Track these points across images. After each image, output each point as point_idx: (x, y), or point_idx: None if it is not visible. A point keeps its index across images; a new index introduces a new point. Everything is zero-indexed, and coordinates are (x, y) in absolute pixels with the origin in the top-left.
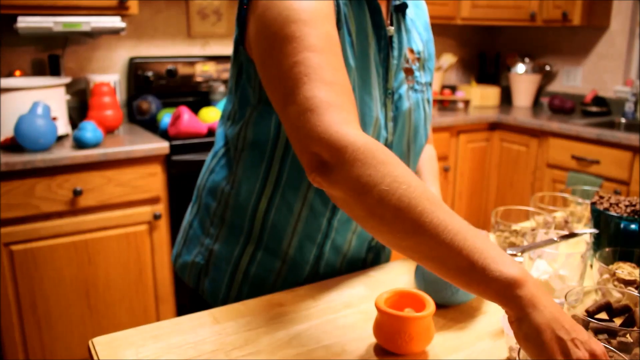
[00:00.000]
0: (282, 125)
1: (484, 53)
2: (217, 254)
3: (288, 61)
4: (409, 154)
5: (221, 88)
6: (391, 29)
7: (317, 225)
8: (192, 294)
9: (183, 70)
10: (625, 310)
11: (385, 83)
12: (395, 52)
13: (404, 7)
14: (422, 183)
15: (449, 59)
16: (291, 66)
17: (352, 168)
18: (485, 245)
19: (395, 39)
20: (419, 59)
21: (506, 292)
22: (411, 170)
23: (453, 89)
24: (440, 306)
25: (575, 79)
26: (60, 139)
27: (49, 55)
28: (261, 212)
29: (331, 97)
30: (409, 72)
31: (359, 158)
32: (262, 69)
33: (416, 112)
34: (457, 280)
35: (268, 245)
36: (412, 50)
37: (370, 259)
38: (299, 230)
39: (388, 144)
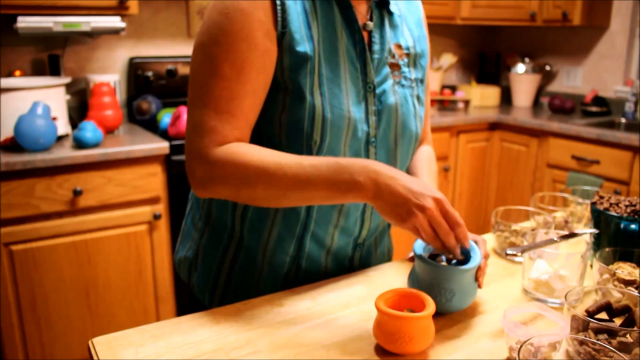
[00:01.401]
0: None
1: (484, 53)
2: (204, 249)
3: (200, 79)
4: (396, 149)
5: None
6: (370, 24)
7: (295, 216)
8: (189, 291)
9: (183, 70)
10: (625, 310)
11: (364, 77)
12: (377, 47)
13: (385, 3)
14: (264, 160)
15: (449, 59)
16: (200, 85)
17: (219, 184)
18: (327, 176)
19: (376, 34)
20: (408, 55)
21: (357, 199)
22: (260, 151)
23: (453, 89)
24: (435, 313)
25: (575, 79)
26: (60, 139)
27: (49, 55)
28: (241, 206)
29: (215, 123)
30: (395, 67)
31: (220, 172)
32: (190, 62)
33: (404, 108)
34: (329, 202)
35: (249, 240)
36: (399, 46)
37: (358, 257)
38: (278, 222)
39: (371, 139)
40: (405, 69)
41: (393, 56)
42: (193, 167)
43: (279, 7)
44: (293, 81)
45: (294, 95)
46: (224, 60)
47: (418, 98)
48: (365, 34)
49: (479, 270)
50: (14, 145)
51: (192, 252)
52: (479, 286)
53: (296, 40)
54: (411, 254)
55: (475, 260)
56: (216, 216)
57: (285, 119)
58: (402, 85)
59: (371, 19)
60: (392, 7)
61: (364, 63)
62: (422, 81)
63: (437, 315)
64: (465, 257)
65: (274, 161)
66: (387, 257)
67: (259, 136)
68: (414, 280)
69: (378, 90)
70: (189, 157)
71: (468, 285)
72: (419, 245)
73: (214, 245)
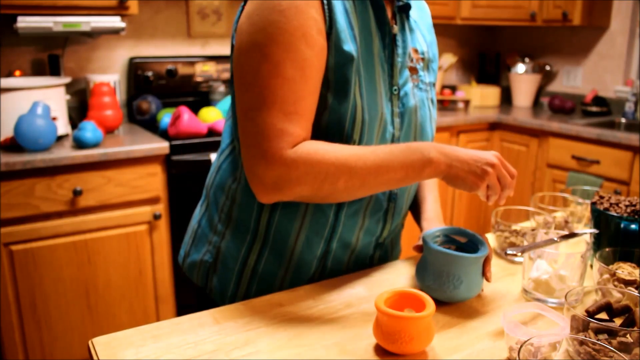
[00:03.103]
0: None
1: (484, 53)
2: (225, 252)
3: (261, 80)
4: None
5: (221, 88)
6: (395, 28)
7: (324, 219)
8: (198, 294)
9: (183, 70)
10: (625, 310)
11: (390, 79)
12: (400, 50)
13: (407, 7)
14: (341, 154)
15: (449, 59)
16: (262, 87)
17: (298, 184)
18: (402, 158)
19: (399, 38)
20: (423, 59)
21: (432, 174)
22: (334, 147)
23: (453, 89)
24: (441, 304)
25: (575, 79)
26: (60, 139)
27: (49, 55)
28: (267, 209)
29: (286, 125)
30: (413, 70)
31: (300, 172)
32: (236, 66)
33: (422, 110)
34: (402, 184)
35: (275, 242)
36: (416, 50)
37: (377, 256)
38: (306, 225)
39: (395, 140)
40: (421, 73)
41: (412, 60)
42: (262, 172)
43: (326, 6)
44: (338, 80)
45: (337, 94)
46: (286, 60)
47: (432, 101)
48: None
49: (486, 264)
50: (14, 145)
51: (210, 255)
52: (487, 279)
53: (342, 39)
54: (418, 243)
55: (484, 251)
56: (238, 218)
57: (326, 118)
58: (420, 89)
59: (395, 23)
60: (410, 12)
61: (391, 65)
62: (433, 85)
63: (439, 312)
64: (473, 248)
65: (351, 153)
66: (397, 256)
67: None
68: (423, 269)
69: (401, 93)
70: (256, 163)
71: (475, 275)
72: (429, 235)
73: (236, 247)
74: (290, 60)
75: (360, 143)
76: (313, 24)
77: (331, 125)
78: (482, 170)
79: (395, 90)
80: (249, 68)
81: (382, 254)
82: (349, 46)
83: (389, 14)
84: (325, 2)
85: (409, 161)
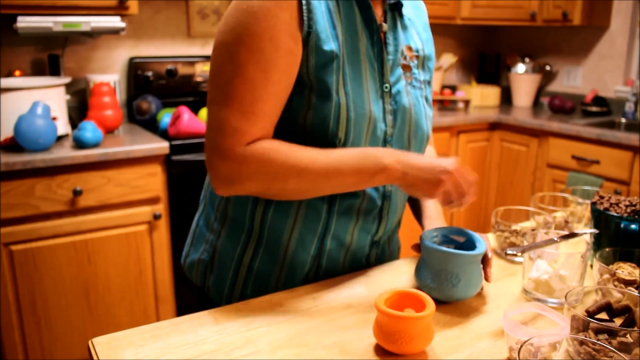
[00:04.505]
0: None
1: (484, 53)
2: (221, 250)
3: (223, 78)
4: (409, 148)
5: None
6: (385, 26)
7: (316, 216)
8: (198, 294)
9: (183, 70)
10: (625, 311)
11: (381, 77)
12: (391, 48)
13: (398, 5)
14: (293, 155)
15: (449, 59)
16: (224, 85)
17: (248, 181)
18: (355, 163)
19: (390, 36)
20: (417, 57)
21: (386, 180)
22: (289, 147)
23: (453, 89)
24: (441, 304)
25: (576, 79)
26: (60, 139)
27: (49, 55)
28: (261, 206)
29: (241, 124)
30: (406, 68)
31: (250, 170)
32: (210, 61)
33: (416, 108)
34: (356, 188)
35: (269, 240)
36: (410, 48)
37: (374, 255)
38: (299, 222)
39: (388, 137)
40: (415, 71)
41: (405, 58)
42: (217, 166)
43: (304, 7)
44: (319, 80)
45: (320, 93)
46: (249, 61)
47: (426, 99)
48: (380, 35)
49: (486, 263)
50: (13, 145)
51: (207, 254)
52: (487, 279)
53: (322, 39)
54: (417, 242)
55: (481, 249)
56: (233, 216)
57: (310, 117)
58: (414, 86)
59: (385, 21)
60: (404, 10)
61: (381, 63)
62: (429, 83)
63: (439, 312)
64: (471, 247)
65: (303, 155)
66: (396, 255)
67: (282, 136)
68: (422, 268)
69: (393, 91)
70: (212, 156)
71: (473, 273)
72: (427, 235)
73: (232, 245)
74: (254, 62)
75: (346, 141)
76: (284, 27)
77: (315, 124)
78: (437, 178)
79: (386, 87)
80: (216, 65)
81: (378, 253)
82: (330, 46)
83: (380, 12)
84: (304, 3)
85: (362, 167)
